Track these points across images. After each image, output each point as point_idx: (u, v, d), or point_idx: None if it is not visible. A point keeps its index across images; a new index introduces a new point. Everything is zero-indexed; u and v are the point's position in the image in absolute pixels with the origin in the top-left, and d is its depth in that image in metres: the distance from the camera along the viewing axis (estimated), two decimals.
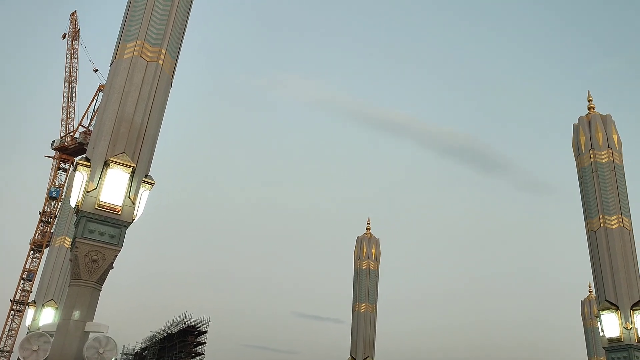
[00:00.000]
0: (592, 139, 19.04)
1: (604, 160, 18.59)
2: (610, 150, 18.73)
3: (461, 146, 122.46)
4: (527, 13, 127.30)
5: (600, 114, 19.55)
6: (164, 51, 12.09)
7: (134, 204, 10.77)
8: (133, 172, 10.78)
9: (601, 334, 16.33)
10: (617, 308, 16.14)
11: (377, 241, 31.44)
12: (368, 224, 32.28)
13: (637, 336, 15.63)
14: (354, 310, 29.58)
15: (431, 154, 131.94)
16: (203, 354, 70.94)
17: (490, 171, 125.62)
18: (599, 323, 16.53)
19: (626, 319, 15.91)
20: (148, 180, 11.16)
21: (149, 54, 11.85)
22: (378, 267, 30.96)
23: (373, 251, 30.95)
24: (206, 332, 70.58)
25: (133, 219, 10.81)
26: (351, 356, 28.51)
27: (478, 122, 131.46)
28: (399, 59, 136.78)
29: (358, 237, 31.63)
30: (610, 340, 15.94)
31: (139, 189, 10.93)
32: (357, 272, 30.46)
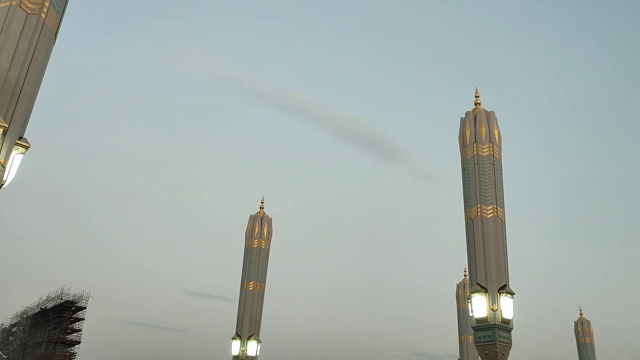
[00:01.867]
0: (476, 133, 20.22)
1: (485, 154, 19.82)
2: (491, 145, 20.01)
3: (361, 133, 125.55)
4: (427, 12, 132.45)
5: (485, 110, 20.81)
6: (47, 4, 11.09)
7: (4, 167, 9.87)
8: (5, 133, 9.86)
9: (471, 314, 17.54)
10: (486, 291, 17.39)
11: (269, 220, 31.51)
12: (262, 202, 32.23)
13: (502, 317, 16.97)
14: (242, 289, 29.52)
15: (331, 139, 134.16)
16: (80, 330, 67.75)
17: (388, 160, 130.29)
18: (469, 305, 17.75)
19: (493, 301, 17.20)
20: (22, 143, 10.27)
21: (29, 5, 10.81)
22: (269, 246, 31.08)
23: (265, 230, 30.99)
24: (85, 308, 67.40)
25: (2, 184, 9.92)
26: (236, 333, 28.49)
27: (379, 110, 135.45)
28: (308, 41, 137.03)
29: (251, 215, 31.50)
30: (478, 320, 17.17)
31: (11, 151, 10.03)
32: (248, 250, 30.39)
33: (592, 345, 42.98)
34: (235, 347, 28.24)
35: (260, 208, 31.96)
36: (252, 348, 28.20)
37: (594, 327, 43.61)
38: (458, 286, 37.17)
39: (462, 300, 35.26)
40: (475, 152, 19.88)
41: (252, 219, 31.26)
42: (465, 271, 36.59)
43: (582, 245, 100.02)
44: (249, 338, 28.31)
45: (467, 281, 35.44)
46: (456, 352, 35.71)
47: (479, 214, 18.85)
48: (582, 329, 43.42)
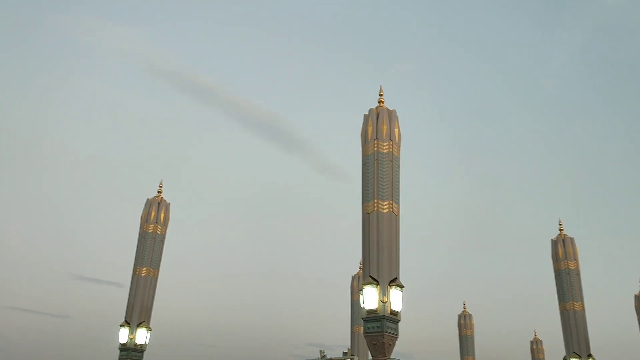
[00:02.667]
0: (377, 130, 20.78)
1: (385, 151, 20.42)
2: (392, 143, 20.66)
3: (266, 122, 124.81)
4: (332, 11, 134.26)
5: (387, 108, 21.44)
6: None
7: None
8: None
9: (362, 305, 18.06)
10: (377, 283, 17.97)
11: (167, 205, 30.61)
12: (160, 187, 31.22)
13: (390, 309, 17.62)
14: (134, 274, 28.48)
15: (236, 125, 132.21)
16: None
17: (292, 151, 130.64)
18: (361, 296, 18.27)
19: (384, 293, 17.81)
20: None
21: None
22: (165, 232, 30.22)
23: (162, 215, 30.06)
24: None
25: None
26: (125, 320, 27.44)
27: (285, 101, 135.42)
28: (218, 21, 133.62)
29: (148, 199, 30.42)
30: (369, 311, 17.72)
31: None
32: (143, 236, 29.34)
33: (472, 337, 45.95)
34: (124, 335, 27.20)
35: (158, 192, 30.95)
36: (142, 336, 27.29)
37: (475, 321, 46.67)
38: (353, 278, 38.18)
39: (357, 292, 36.27)
40: (375, 149, 20.42)
41: (149, 203, 30.20)
42: (360, 264, 37.65)
43: (471, 243, 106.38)
44: (138, 325, 27.38)
45: (362, 274, 36.61)
46: (348, 343, 36.72)
47: (375, 208, 19.40)
48: (464, 322, 46.27)
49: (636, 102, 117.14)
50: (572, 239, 31.77)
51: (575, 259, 31.18)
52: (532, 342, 51.51)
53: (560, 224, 32.62)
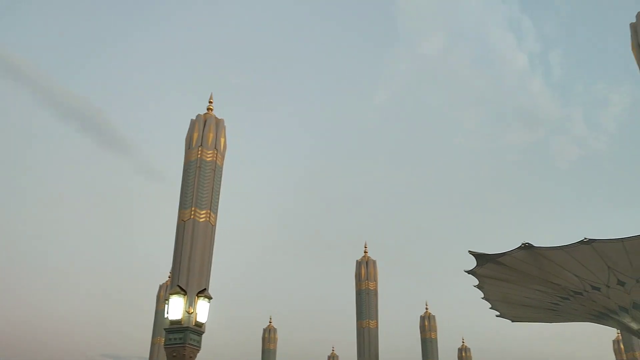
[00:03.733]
0: (203, 137, 20.38)
1: (208, 159, 20.08)
2: (216, 152, 20.40)
3: (85, 114, 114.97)
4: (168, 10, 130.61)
5: (216, 117, 21.16)
6: None
7: None
8: None
9: (166, 315, 17.35)
10: (185, 293, 17.44)
11: None
12: None
13: (196, 320, 17.20)
14: None
15: (50, 113, 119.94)
16: None
17: (112, 148, 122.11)
18: (166, 306, 17.55)
19: (190, 304, 17.33)
20: None
21: None
22: None
23: None
24: None
25: None
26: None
27: (110, 96, 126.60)
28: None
29: None
30: (172, 322, 17.08)
31: None
32: None
33: (275, 351, 46.98)
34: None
35: None
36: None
37: (279, 334, 47.81)
38: (161, 287, 36.69)
39: (161, 302, 34.88)
40: (199, 156, 19.99)
41: None
42: (170, 273, 36.34)
43: (285, 258, 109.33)
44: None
45: (170, 283, 35.34)
46: (148, 355, 35.00)
47: (192, 216, 18.91)
48: (268, 336, 47.11)
49: (432, 147, 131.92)
50: (374, 261, 34.27)
51: (375, 280, 33.66)
52: (329, 357, 54.25)
53: (365, 247, 35.04)
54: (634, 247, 24.82)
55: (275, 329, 47.82)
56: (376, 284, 33.64)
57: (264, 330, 47.73)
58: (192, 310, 17.22)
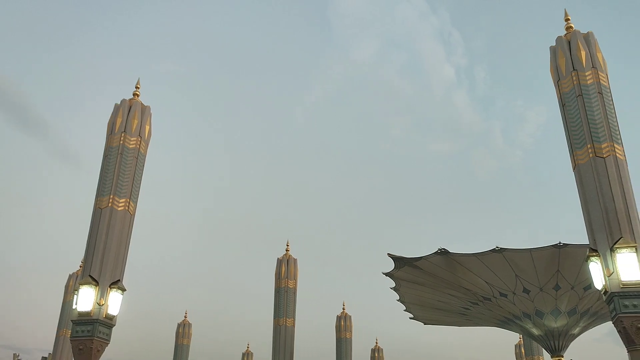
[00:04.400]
0: (127, 123, 19.64)
1: (131, 146, 19.38)
2: (140, 139, 19.70)
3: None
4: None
5: (142, 103, 20.43)
6: None
7: None
8: None
9: (74, 306, 16.52)
10: (97, 284, 16.69)
11: None
12: None
13: (107, 312, 16.49)
14: None
15: None
16: None
17: (27, 128, 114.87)
18: (75, 297, 16.72)
19: (102, 295, 16.61)
20: None
21: None
22: None
23: None
24: None
25: None
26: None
27: (28, 72, 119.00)
28: None
29: None
30: (81, 314, 16.29)
31: None
32: None
33: (189, 346, 46.04)
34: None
35: None
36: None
37: (194, 330, 46.93)
38: (71, 277, 34.96)
39: (70, 292, 33.24)
40: (121, 142, 19.23)
41: None
42: (82, 262, 34.74)
43: (204, 250, 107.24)
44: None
45: (82, 272, 33.76)
46: (52, 347, 33.23)
47: (110, 204, 18.15)
48: (183, 331, 46.09)
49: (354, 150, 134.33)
50: (295, 260, 34.34)
51: (295, 279, 33.73)
52: (244, 355, 53.80)
53: (287, 245, 35.03)
54: (540, 257, 26.37)
55: (190, 324, 46.87)
56: (295, 282, 33.71)
57: (179, 325, 46.67)
58: (104, 302, 16.52)
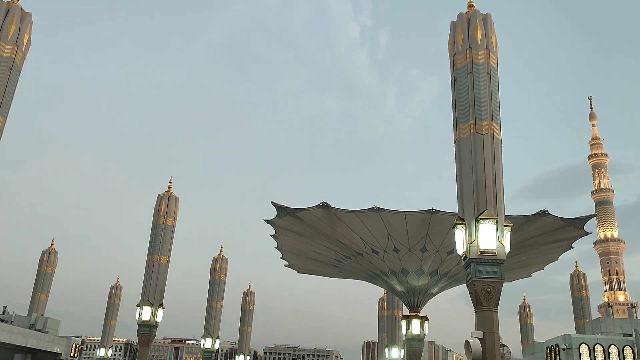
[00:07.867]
0: (2, 28, 17.73)
1: (5, 54, 17.60)
2: (16, 47, 17.96)
3: None
4: None
5: (22, 8, 18.44)
6: None
7: None
8: None
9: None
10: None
11: None
12: None
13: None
14: None
15: None
16: None
17: None
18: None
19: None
20: None
21: None
22: None
23: None
24: None
25: None
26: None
27: None
28: None
29: None
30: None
31: None
32: None
33: (53, 275, 43.96)
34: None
35: None
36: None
37: (60, 258, 44.84)
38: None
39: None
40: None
41: None
42: None
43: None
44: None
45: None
46: None
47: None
48: (47, 259, 43.82)
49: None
50: (177, 198, 33.53)
51: (175, 217, 33.04)
52: (112, 287, 52.41)
53: (170, 182, 34.04)
54: (413, 220, 28.05)
55: (56, 252, 44.69)
56: (175, 220, 33.07)
57: (43, 252, 44.31)
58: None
